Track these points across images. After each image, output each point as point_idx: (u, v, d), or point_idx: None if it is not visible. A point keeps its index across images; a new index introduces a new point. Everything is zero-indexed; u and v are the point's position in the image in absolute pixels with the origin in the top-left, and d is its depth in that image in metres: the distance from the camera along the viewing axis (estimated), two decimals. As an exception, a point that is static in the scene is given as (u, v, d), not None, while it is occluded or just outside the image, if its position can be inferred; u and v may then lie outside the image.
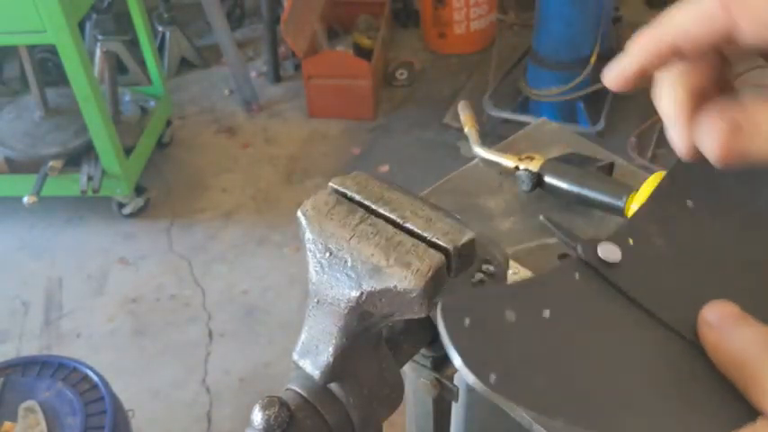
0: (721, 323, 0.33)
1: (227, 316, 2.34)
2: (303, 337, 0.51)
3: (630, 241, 0.39)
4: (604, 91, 2.80)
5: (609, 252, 0.38)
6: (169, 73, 3.49)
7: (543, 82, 2.79)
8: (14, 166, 2.64)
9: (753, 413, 0.32)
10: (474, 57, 3.54)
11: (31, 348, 2.25)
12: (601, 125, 2.73)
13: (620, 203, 0.70)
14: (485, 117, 2.83)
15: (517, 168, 0.78)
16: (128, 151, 2.64)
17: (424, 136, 3.05)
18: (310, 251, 0.48)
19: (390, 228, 0.47)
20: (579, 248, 0.38)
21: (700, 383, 0.34)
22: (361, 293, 0.46)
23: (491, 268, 0.47)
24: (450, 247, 0.43)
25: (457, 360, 0.31)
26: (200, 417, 2.04)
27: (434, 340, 0.60)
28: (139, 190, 2.73)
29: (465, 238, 0.43)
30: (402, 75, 3.39)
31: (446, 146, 2.91)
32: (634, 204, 0.69)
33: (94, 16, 2.99)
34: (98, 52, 2.93)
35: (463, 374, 0.31)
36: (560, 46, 2.71)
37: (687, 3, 0.32)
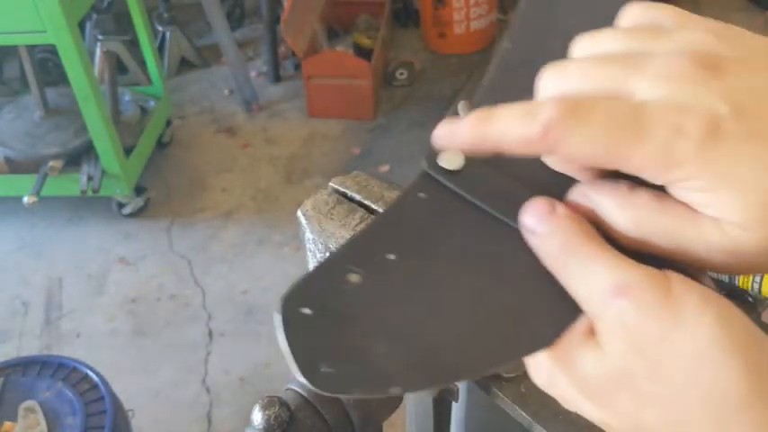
0: (536, 227, 0.33)
1: (227, 316, 2.34)
2: (303, 336, 0.51)
3: None
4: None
5: (451, 161, 0.36)
6: (169, 73, 3.49)
7: (543, 82, 2.79)
8: (14, 166, 2.64)
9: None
10: (474, 57, 3.54)
11: (31, 348, 2.25)
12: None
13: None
14: (485, 117, 2.82)
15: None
16: (128, 151, 2.64)
17: (424, 136, 3.02)
18: (310, 251, 0.48)
19: (390, 228, 0.47)
20: (423, 161, 0.36)
21: (543, 286, 0.33)
22: (361, 293, 0.46)
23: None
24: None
25: (289, 361, 0.29)
26: (200, 417, 2.04)
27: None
28: (139, 190, 2.73)
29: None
30: (402, 75, 3.39)
31: (446, 146, 2.91)
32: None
33: (94, 16, 2.99)
34: (98, 52, 2.93)
35: (294, 374, 0.30)
36: (560, 46, 2.71)
37: (516, 113, 0.31)
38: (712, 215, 0.30)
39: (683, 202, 0.30)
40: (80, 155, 2.59)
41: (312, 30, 3.22)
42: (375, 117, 3.19)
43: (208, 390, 2.11)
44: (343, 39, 3.48)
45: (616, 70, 0.31)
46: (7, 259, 2.61)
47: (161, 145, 3.01)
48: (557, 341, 0.32)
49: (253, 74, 3.48)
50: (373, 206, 0.49)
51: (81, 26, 2.79)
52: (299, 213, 0.50)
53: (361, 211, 0.49)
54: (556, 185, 0.35)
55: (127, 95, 2.89)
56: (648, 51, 0.31)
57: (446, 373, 0.32)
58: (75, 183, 2.55)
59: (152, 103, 2.92)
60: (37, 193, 2.46)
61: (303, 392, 0.52)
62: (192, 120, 3.28)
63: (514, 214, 0.34)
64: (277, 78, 3.47)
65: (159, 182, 2.90)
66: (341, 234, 0.47)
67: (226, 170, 2.96)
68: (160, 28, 3.45)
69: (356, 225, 0.48)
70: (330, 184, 0.51)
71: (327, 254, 0.47)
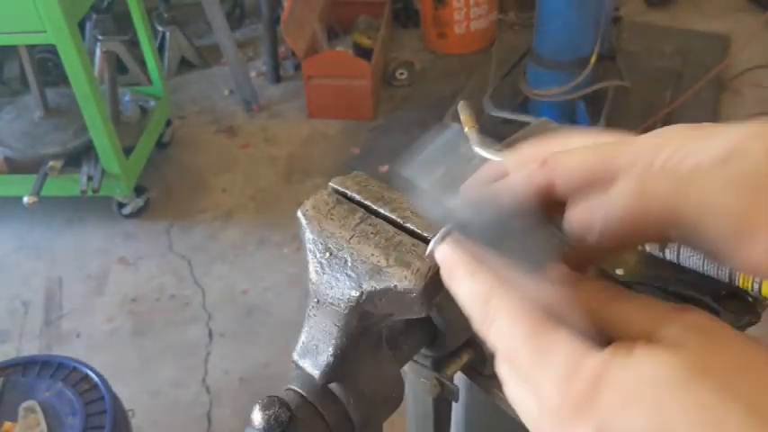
0: (449, 276, 0.39)
1: (227, 316, 2.34)
2: (303, 337, 0.51)
3: None
4: (604, 91, 2.80)
5: None
6: (169, 73, 3.49)
7: (543, 82, 2.79)
8: (14, 166, 2.64)
9: None
10: (474, 57, 3.54)
11: (31, 348, 2.25)
12: (601, 125, 2.72)
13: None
14: (485, 117, 2.82)
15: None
16: (127, 151, 2.64)
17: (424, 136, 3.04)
18: (310, 251, 0.48)
19: (390, 228, 0.47)
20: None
21: None
22: (362, 293, 0.46)
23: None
24: (450, 247, 0.43)
25: None
26: (200, 417, 2.04)
27: (434, 340, 0.60)
28: (139, 190, 2.73)
29: (465, 238, 0.43)
30: (402, 75, 3.39)
31: (446, 146, 2.91)
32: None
33: (94, 16, 2.99)
34: (98, 52, 2.93)
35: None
36: (560, 46, 2.71)
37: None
38: None
39: None
40: (80, 155, 2.59)
41: (312, 30, 3.22)
42: (375, 117, 3.19)
43: (208, 390, 2.11)
44: (343, 39, 3.48)
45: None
46: (7, 259, 2.61)
47: (161, 145, 3.01)
48: None
49: (253, 74, 3.48)
50: (373, 206, 0.49)
51: (81, 26, 2.79)
52: (299, 213, 0.50)
53: (361, 211, 0.49)
54: None
55: (127, 95, 2.89)
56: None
57: None
58: (75, 183, 2.55)
59: (152, 103, 2.92)
60: (37, 193, 2.47)
61: (303, 392, 0.52)
62: (192, 120, 3.28)
63: None
64: (277, 78, 3.47)
65: (159, 182, 2.90)
66: (341, 234, 0.47)
67: (226, 170, 2.96)
68: (160, 28, 3.45)
69: (356, 225, 0.48)
70: (330, 184, 0.51)
71: (328, 254, 0.48)
